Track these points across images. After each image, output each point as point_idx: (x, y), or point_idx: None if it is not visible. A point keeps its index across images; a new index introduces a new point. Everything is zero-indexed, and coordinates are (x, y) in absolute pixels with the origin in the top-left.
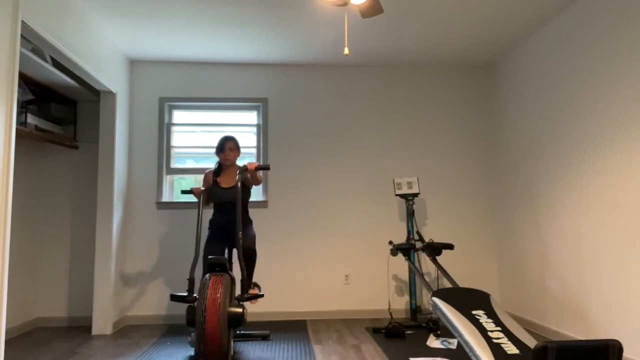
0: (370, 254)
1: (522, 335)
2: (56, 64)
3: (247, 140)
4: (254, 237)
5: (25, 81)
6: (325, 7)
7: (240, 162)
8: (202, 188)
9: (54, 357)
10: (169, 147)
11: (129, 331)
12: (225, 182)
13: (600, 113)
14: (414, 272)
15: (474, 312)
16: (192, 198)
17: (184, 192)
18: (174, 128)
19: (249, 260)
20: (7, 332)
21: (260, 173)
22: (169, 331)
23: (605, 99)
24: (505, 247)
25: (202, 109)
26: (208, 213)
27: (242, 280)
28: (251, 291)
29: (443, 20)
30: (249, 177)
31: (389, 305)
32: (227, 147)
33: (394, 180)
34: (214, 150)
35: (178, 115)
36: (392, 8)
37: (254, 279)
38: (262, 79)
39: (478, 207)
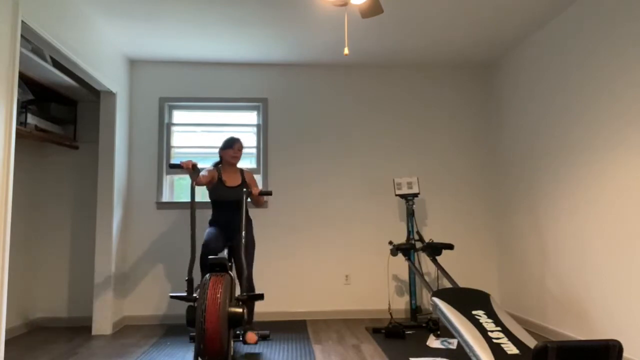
0: (370, 254)
1: (522, 335)
2: (56, 64)
3: (247, 140)
4: (252, 254)
5: (25, 81)
6: (325, 7)
7: (241, 165)
8: (202, 168)
9: (54, 357)
10: (169, 147)
11: (129, 331)
12: (230, 181)
13: (601, 114)
14: (414, 272)
15: (474, 312)
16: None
17: (172, 166)
18: (174, 128)
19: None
20: (7, 332)
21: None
22: (169, 331)
23: (606, 100)
24: (505, 247)
25: (202, 109)
26: (207, 213)
27: (240, 280)
28: (249, 335)
29: (443, 20)
30: (252, 200)
31: (389, 305)
32: (237, 146)
33: (394, 180)
34: (213, 150)
35: (178, 115)
36: (392, 8)
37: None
38: (262, 79)
39: (478, 207)
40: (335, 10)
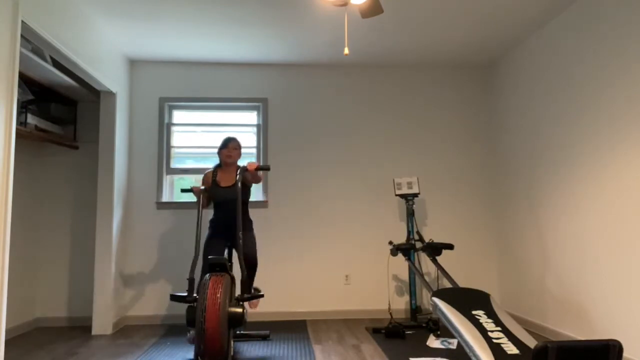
0: (370, 254)
1: (522, 335)
2: (56, 64)
3: (247, 140)
4: (254, 244)
5: (25, 81)
6: (325, 7)
7: (240, 163)
8: (202, 187)
9: (54, 357)
10: (169, 147)
11: (129, 331)
12: (224, 181)
13: (601, 114)
14: (414, 272)
15: (474, 312)
16: (191, 197)
17: (183, 190)
18: (174, 128)
19: (250, 269)
20: (7, 332)
21: (260, 172)
22: (169, 331)
23: (606, 100)
24: (505, 247)
25: (202, 109)
26: (209, 213)
27: (242, 281)
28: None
29: (443, 20)
30: (249, 177)
31: (389, 305)
32: (231, 145)
33: (394, 180)
34: (213, 150)
35: (178, 115)
36: (392, 8)
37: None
38: (262, 79)
39: (478, 207)
40: (335, 10)
